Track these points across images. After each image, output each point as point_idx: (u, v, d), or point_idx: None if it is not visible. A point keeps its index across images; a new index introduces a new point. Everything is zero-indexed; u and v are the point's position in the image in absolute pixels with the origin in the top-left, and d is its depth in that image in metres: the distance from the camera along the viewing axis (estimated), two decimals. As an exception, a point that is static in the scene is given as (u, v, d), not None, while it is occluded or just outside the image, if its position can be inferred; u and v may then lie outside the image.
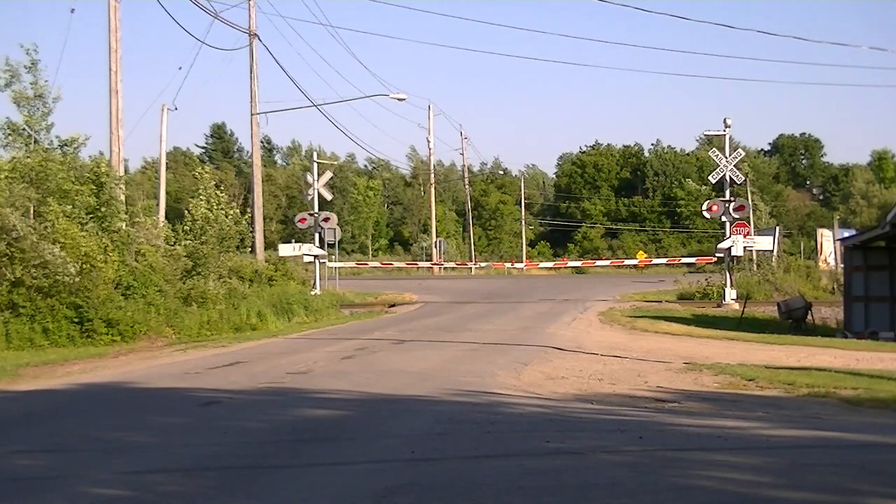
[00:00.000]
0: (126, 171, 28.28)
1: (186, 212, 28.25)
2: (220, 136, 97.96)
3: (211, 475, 7.18)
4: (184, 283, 25.09)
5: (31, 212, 21.25)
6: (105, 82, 26.47)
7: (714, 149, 34.17)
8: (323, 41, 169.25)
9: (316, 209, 37.04)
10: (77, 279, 20.27)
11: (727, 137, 32.54)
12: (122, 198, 25.16)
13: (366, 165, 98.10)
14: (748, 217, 37.15)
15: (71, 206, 21.98)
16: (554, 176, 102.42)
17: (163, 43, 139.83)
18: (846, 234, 37.00)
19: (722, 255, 33.44)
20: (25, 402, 12.51)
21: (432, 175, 72.62)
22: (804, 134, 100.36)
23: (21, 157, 22.62)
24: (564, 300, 34.70)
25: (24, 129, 22.97)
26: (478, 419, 9.77)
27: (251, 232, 32.69)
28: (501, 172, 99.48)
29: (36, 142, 23.01)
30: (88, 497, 6.54)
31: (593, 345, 19.43)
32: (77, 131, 24.29)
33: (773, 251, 40.56)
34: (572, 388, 13.14)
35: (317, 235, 36.74)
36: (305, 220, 37.07)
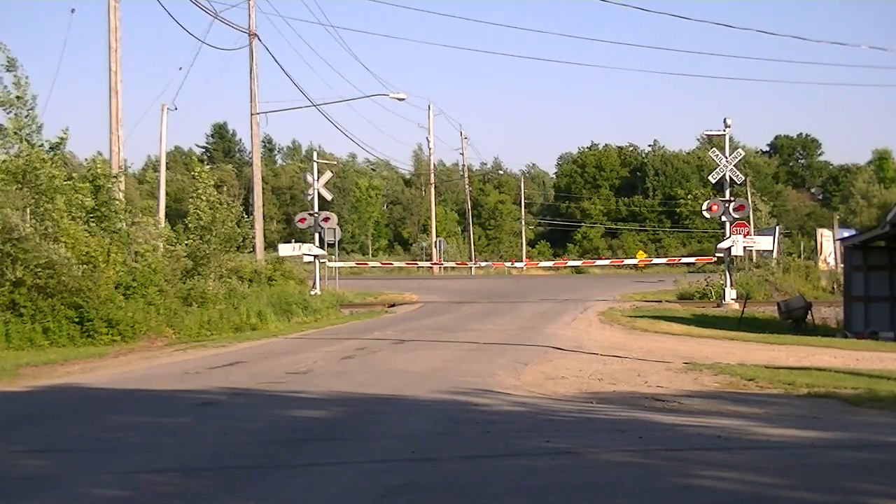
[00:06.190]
0: (126, 170, 28.08)
1: (191, 210, 28.20)
2: (221, 136, 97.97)
3: (210, 475, 7.18)
4: (184, 284, 25.08)
5: (28, 212, 21.18)
6: (105, 82, 26.51)
7: (714, 149, 34.16)
8: (323, 41, 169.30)
9: (316, 209, 37.00)
10: (80, 279, 20.24)
11: (727, 137, 32.52)
12: (122, 198, 25.10)
13: (368, 165, 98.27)
14: (748, 217, 37.17)
15: (67, 205, 21.89)
16: (554, 176, 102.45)
17: (163, 43, 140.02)
18: (846, 234, 36.98)
19: (722, 255, 33.42)
20: (25, 402, 12.50)
21: (432, 175, 72.58)
22: (801, 134, 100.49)
23: (10, 158, 22.38)
24: (564, 300, 34.69)
25: (16, 132, 22.66)
26: (478, 419, 9.77)
27: (251, 231, 32.62)
28: (501, 172, 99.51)
29: (30, 143, 22.83)
30: (88, 497, 6.54)
31: (593, 345, 19.43)
32: (59, 129, 23.71)
33: (772, 251, 40.58)
34: (572, 388, 13.14)
35: (317, 235, 36.72)
36: (305, 220, 37.03)
